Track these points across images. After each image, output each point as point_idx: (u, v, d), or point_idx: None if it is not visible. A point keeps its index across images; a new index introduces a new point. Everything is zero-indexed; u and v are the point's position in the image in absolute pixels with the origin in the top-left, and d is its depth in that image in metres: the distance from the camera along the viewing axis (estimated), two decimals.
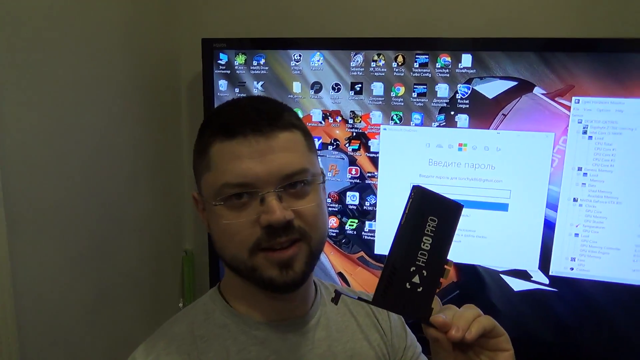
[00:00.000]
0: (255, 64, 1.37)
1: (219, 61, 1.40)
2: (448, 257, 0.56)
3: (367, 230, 1.37)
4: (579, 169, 1.20)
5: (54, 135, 1.12)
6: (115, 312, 1.35)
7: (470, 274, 1.31)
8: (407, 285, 0.54)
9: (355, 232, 1.38)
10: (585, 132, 1.18)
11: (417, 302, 0.54)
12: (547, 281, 1.27)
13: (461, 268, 1.32)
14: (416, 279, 0.54)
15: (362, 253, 1.39)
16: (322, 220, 0.68)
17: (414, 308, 0.55)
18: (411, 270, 0.54)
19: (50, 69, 1.10)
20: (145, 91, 1.43)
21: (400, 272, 0.54)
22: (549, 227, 1.24)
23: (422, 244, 0.55)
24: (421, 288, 0.54)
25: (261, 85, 1.38)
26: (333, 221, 1.39)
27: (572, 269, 1.25)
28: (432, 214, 0.55)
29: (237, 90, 1.40)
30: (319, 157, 0.73)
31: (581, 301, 1.26)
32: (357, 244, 1.39)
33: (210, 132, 0.66)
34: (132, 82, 1.37)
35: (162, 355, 0.66)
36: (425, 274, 0.54)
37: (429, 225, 0.55)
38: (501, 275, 1.30)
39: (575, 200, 1.21)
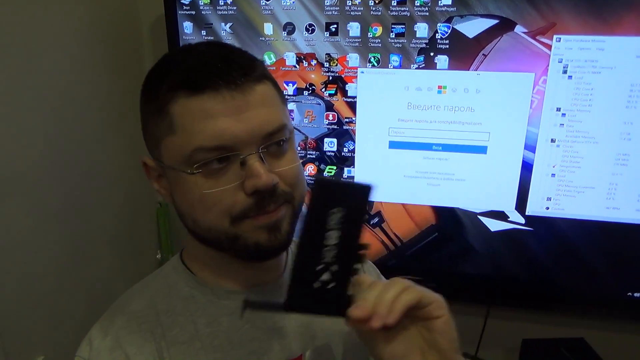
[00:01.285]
0: (222, 4, 1.28)
1: (182, 1, 1.30)
2: (362, 242, 0.52)
3: (345, 177, 1.35)
4: (558, 109, 1.19)
5: (13, 89, 1.03)
6: (93, 269, 1.32)
7: (448, 216, 1.32)
8: (315, 285, 0.50)
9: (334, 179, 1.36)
10: (565, 72, 1.16)
11: (331, 299, 0.51)
12: (523, 221, 1.29)
13: (439, 211, 1.32)
14: (325, 276, 0.51)
15: None
16: (302, 179, 0.64)
17: (328, 306, 0.51)
18: (317, 269, 0.50)
19: (3, 17, 0.99)
20: (104, 38, 1.33)
21: (307, 274, 0.50)
22: (527, 168, 1.25)
23: (325, 240, 0.51)
24: (333, 284, 0.51)
25: (229, 27, 1.30)
26: (311, 168, 1.36)
27: (547, 208, 1.27)
28: (337, 204, 0.51)
29: (203, 32, 1.32)
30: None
31: (556, 239, 1.29)
32: None
33: (168, 86, 0.56)
34: (89, 29, 1.27)
35: (121, 335, 0.61)
36: (335, 269, 0.51)
37: (334, 218, 0.51)
38: (478, 216, 1.32)
39: (553, 141, 1.21)
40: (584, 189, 1.23)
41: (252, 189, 0.55)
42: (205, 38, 1.32)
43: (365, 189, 0.52)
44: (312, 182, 0.55)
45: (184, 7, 1.30)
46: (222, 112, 0.54)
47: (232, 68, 0.55)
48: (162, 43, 1.36)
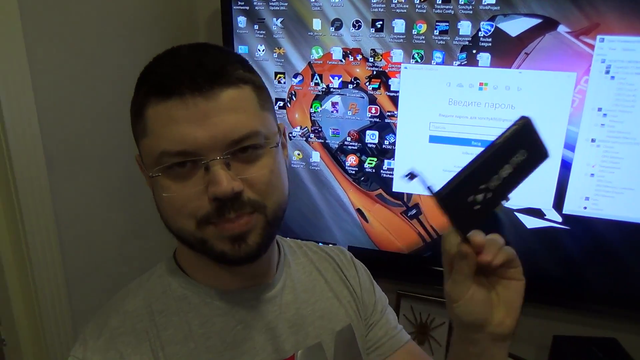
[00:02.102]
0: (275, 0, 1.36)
1: None
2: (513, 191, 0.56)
3: (385, 169, 1.40)
4: (599, 109, 1.19)
5: (82, 72, 1.15)
6: (146, 244, 1.43)
7: None
8: (469, 199, 0.54)
9: (374, 170, 1.41)
10: (607, 72, 1.16)
11: (468, 217, 0.54)
12: (560, 219, 1.30)
13: None
14: (479, 197, 0.54)
15: (380, 190, 1.43)
16: (278, 187, 0.61)
17: (462, 220, 0.54)
18: (480, 187, 0.54)
19: (76, 6, 1.11)
20: (164, 28, 1.43)
21: (472, 184, 0.54)
22: (566, 167, 1.26)
23: (502, 170, 0.54)
24: (478, 207, 0.54)
25: (280, 22, 1.38)
26: (352, 159, 1.42)
27: (585, 208, 1.27)
28: (525, 147, 0.55)
29: (256, 27, 1.40)
30: (274, 114, 0.65)
31: (592, 239, 1.29)
32: (375, 182, 1.43)
33: (145, 89, 0.57)
34: (151, 19, 1.38)
35: (115, 334, 0.60)
36: (488, 197, 0.54)
37: (517, 157, 0.55)
38: (515, 213, 1.34)
39: (593, 140, 1.22)
40: (623, 190, 1.23)
41: (212, 196, 0.55)
42: (258, 32, 1.40)
43: (546, 155, 0.57)
44: (519, 118, 0.55)
45: (239, 3, 1.39)
46: (186, 118, 0.54)
47: (199, 74, 0.55)
48: (217, 36, 1.46)
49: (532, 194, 1.31)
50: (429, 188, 0.55)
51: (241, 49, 1.44)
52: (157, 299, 0.64)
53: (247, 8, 1.39)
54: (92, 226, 1.22)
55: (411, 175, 0.57)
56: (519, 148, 0.55)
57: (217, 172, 0.55)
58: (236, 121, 0.56)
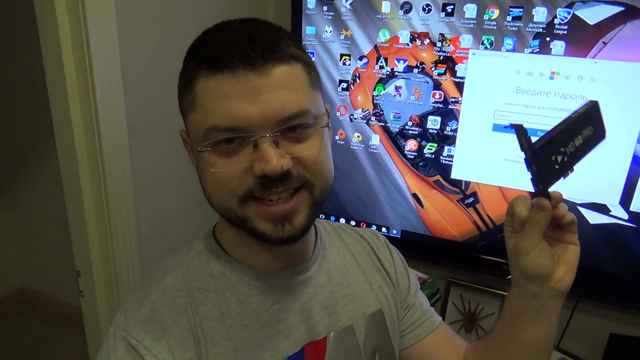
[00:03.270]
0: None
1: None
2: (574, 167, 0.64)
3: (445, 155, 1.40)
4: None
5: (163, 48, 1.22)
6: (207, 213, 1.50)
7: None
8: (552, 158, 0.61)
9: (433, 156, 1.41)
10: None
11: (550, 174, 0.61)
12: (626, 216, 1.27)
13: None
14: (559, 158, 0.61)
15: (438, 177, 1.43)
16: (326, 167, 0.61)
17: (544, 176, 0.61)
18: (560, 150, 0.61)
19: None
20: (236, 7, 1.48)
21: (554, 146, 0.61)
22: (637, 162, 1.21)
23: (576, 138, 0.62)
24: (558, 166, 0.61)
25: (350, 4, 1.39)
26: (412, 144, 1.43)
27: None
28: (593, 125, 0.64)
29: (325, 8, 1.42)
30: (322, 93, 0.64)
31: None
32: (434, 168, 1.43)
33: (195, 63, 0.57)
34: (223, 2, 1.43)
35: (156, 307, 0.61)
36: (565, 160, 0.61)
37: (586, 131, 0.63)
38: (578, 207, 1.31)
39: None
40: None
41: (260, 173, 0.55)
42: (327, 14, 1.42)
43: (604, 135, 0.66)
44: (589, 101, 0.65)
45: None
46: (238, 94, 0.54)
47: (252, 48, 0.54)
48: (285, 16, 1.49)
49: (598, 189, 1.27)
50: (528, 138, 0.60)
51: (309, 30, 1.46)
52: (195, 275, 0.64)
53: None
54: (163, 191, 1.30)
55: (516, 127, 0.62)
56: (588, 124, 0.64)
57: (267, 149, 0.54)
58: (287, 99, 0.55)
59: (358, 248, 0.79)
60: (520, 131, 0.60)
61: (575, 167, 0.63)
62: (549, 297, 0.64)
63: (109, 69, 1.05)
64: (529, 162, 0.59)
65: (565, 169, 0.62)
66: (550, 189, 0.61)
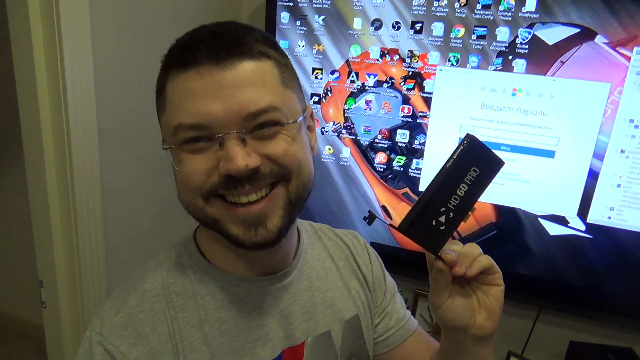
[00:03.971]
0: None
1: None
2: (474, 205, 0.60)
3: (414, 168, 1.44)
4: (631, 120, 1.22)
5: (136, 58, 1.22)
6: (178, 222, 1.48)
7: (509, 215, 1.38)
8: (433, 222, 0.58)
9: (402, 169, 1.45)
10: None
11: (436, 238, 0.58)
12: (583, 228, 1.32)
13: (501, 210, 1.38)
14: (442, 219, 0.58)
15: (406, 189, 1.47)
16: (302, 162, 0.58)
17: (431, 242, 0.59)
18: (441, 210, 0.58)
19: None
20: (210, 19, 1.50)
21: (432, 210, 0.58)
22: (593, 176, 1.28)
23: (459, 190, 0.58)
24: (443, 227, 0.58)
25: (322, 20, 1.42)
26: (382, 157, 1.46)
27: (609, 217, 1.29)
28: (476, 165, 0.58)
29: (298, 23, 1.45)
30: (300, 94, 0.62)
31: (615, 249, 1.31)
32: (403, 180, 1.46)
33: (165, 64, 0.57)
34: (198, 9, 1.44)
35: (134, 312, 0.59)
36: (451, 216, 0.58)
37: (470, 175, 0.58)
38: (539, 219, 1.36)
39: (622, 151, 1.24)
40: None
41: (224, 172, 0.53)
42: (300, 28, 1.45)
43: (500, 163, 0.60)
44: (464, 137, 0.58)
45: None
46: (202, 90, 0.52)
47: (215, 42, 0.53)
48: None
49: (557, 201, 1.33)
50: (390, 225, 0.61)
51: (282, 44, 1.49)
52: (175, 280, 0.63)
53: (291, 4, 1.44)
54: (132, 199, 1.28)
55: (370, 216, 0.61)
56: (470, 166, 0.58)
57: (231, 147, 0.52)
58: (253, 94, 0.53)
59: (338, 252, 0.79)
60: (372, 219, 0.60)
61: (471, 211, 0.59)
62: (472, 341, 0.62)
63: (82, 76, 1.04)
64: (409, 237, 0.57)
65: (456, 223, 0.59)
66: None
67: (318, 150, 1.51)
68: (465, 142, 0.58)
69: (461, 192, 0.58)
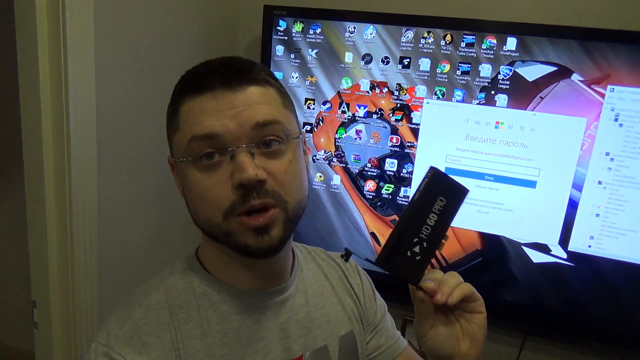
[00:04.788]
0: (312, 32, 1.48)
1: (278, 27, 1.51)
2: (446, 233, 0.62)
3: (402, 196, 1.49)
4: (607, 153, 1.28)
5: (137, 85, 1.27)
6: (170, 247, 1.51)
7: (494, 243, 1.42)
8: (408, 254, 0.60)
9: (390, 197, 1.50)
10: (616, 120, 1.26)
11: (413, 268, 0.60)
12: (565, 256, 1.37)
13: (485, 237, 1.43)
14: (416, 249, 0.60)
15: (395, 216, 1.51)
16: (298, 182, 0.64)
17: (409, 273, 0.60)
18: (414, 241, 0.60)
19: (138, 28, 1.24)
20: (208, 50, 1.56)
21: (405, 242, 0.60)
22: (573, 206, 1.34)
23: (428, 219, 0.60)
24: (419, 257, 0.60)
25: (315, 53, 1.49)
26: (371, 185, 1.51)
27: (589, 246, 1.34)
28: (441, 194, 0.60)
29: (292, 55, 1.52)
30: (297, 119, 0.69)
31: (595, 277, 1.36)
32: (391, 208, 1.51)
33: (179, 91, 0.64)
34: (198, 39, 1.51)
35: (139, 325, 0.62)
36: (425, 245, 0.60)
37: (437, 205, 0.60)
38: (522, 246, 1.41)
39: (600, 182, 1.30)
40: (627, 231, 1.30)
41: (237, 182, 0.58)
42: (294, 61, 1.52)
43: (464, 191, 0.62)
44: (428, 170, 0.61)
45: (279, 33, 1.51)
46: (216, 109, 0.59)
47: (228, 70, 0.61)
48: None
49: (539, 230, 1.38)
50: (367, 259, 0.63)
51: (277, 75, 1.54)
52: (178, 294, 0.66)
53: (286, 38, 1.51)
54: (127, 221, 1.31)
55: (347, 253, 0.64)
56: (437, 196, 0.60)
57: (242, 159, 0.58)
58: (260, 109, 0.60)
59: (331, 272, 0.82)
60: (348, 255, 0.63)
61: (445, 239, 0.62)
62: None
63: (84, 104, 1.08)
64: (387, 271, 0.59)
65: (431, 251, 0.61)
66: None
67: (309, 177, 1.55)
68: (429, 174, 0.61)
69: (431, 222, 0.60)
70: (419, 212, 0.60)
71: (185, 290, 0.67)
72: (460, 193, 0.62)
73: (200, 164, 0.60)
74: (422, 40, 1.39)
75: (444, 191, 0.61)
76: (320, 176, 1.56)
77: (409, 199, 0.63)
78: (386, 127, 1.47)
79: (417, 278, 0.60)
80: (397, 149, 1.47)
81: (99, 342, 0.62)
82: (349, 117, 1.50)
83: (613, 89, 1.25)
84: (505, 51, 1.32)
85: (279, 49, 1.52)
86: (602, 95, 1.26)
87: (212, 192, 0.60)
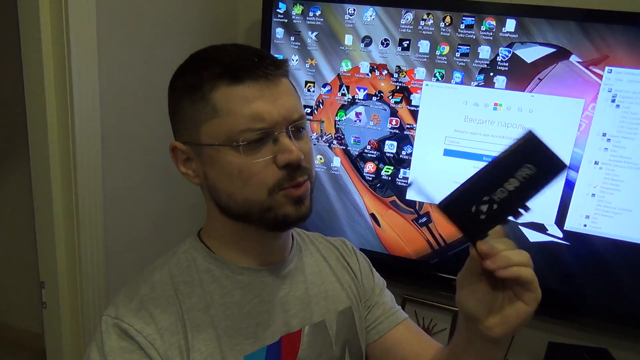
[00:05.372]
0: (312, 14, 1.48)
1: (278, 10, 1.51)
2: (528, 204, 0.57)
3: (401, 177, 1.50)
4: (604, 134, 1.30)
5: (139, 69, 1.28)
6: (174, 229, 1.54)
7: None
8: (473, 209, 0.56)
9: (390, 178, 1.52)
10: (613, 101, 1.28)
11: (474, 226, 0.56)
12: (561, 235, 1.40)
13: None
14: (483, 207, 0.56)
15: (394, 197, 1.53)
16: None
17: (467, 229, 0.57)
18: (484, 199, 0.55)
19: (139, 13, 1.25)
20: (206, 33, 1.56)
21: (473, 196, 0.56)
22: (569, 186, 1.36)
23: (507, 183, 0.55)
24: (484, 217, 0.56)
25: (315, 36, 1.50)
26: (370, 166, 1.53)
27: (585, 225, 1.37)
28: (531, 162, 0.55)
29: (292, 38, 1.52)
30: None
31: (590, 256, 1.39)
32: (390, 189, 1.53)
33: (209, 77, 0.65)
34: (197, 26, 1.51)
35: (146, 299, 0.67)
36: (494, 208, 0.55)
37: (523, 171, 0.55)
38: (519, 226, 1.43)
39: (596, 163, 1.32)
40: (622, 210, 1.33)
41: (284, 162, 0.64)
42: (293, 43, 1.52)
43: (562, 167, 0.56)
44: (525, 132, 0.56)
45: (279, 15, 1.51)
46: (259, 98, 0.64)
47: (267, 62, 0.66)
48: (254, 44, 1.58)
49: (536, 209, 1.39)
50: (434, 202, 0.61)
51: None
52: (182, 272, 0.71)
53: (286, 20, 1.51)
54: (132, 204, 1.33)
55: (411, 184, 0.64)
56: (525, 162, 0.55)
57: (287, 141, 0.65)
58: (294, 102, 0.68)
59: (329, 253, 0.86)
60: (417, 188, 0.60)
61: (524, 210, 0.56)
62: (482, 341, 0.63)
63: (88, 87, 1.10)
64: (445, 216, 0.56)
65: (500, 217, 0.56)
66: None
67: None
68: (525, 137, 0.55)
69: (510, 187, 0.55)
70: (498, 171, 0.56)
71: (188, 268, 0.71)
72: (555, 167, 0.56)
73: (247, 147, 0.64)
74: (421, 22, 1.39)
75: (536, 160, 0.55)
76: (321, 158, 1.58)
77: (495, 156, 0.57)
78: (386, 110, 1.48)
79: (473, 236, 0.56)
80: (397, 131, 1.48)
81: (109, 315, 0.66)
82: (349, 100, 1.51)
83: (611, 70, 1.26)
84: (504, 33, 1.33)
85: (279, 32, 1.53)
86: (600, 77, 1.27)
87: (258, 172, 0.65)
